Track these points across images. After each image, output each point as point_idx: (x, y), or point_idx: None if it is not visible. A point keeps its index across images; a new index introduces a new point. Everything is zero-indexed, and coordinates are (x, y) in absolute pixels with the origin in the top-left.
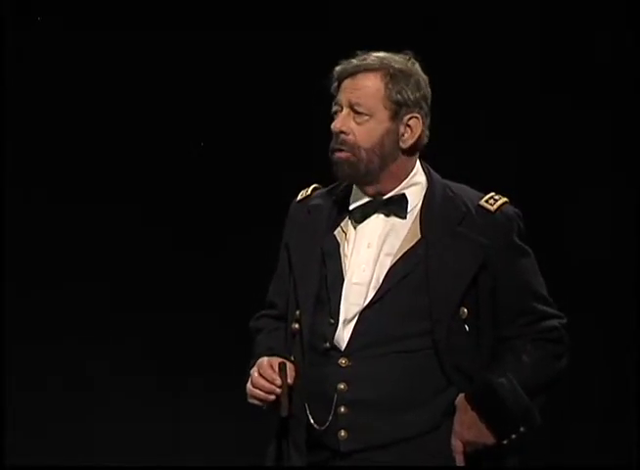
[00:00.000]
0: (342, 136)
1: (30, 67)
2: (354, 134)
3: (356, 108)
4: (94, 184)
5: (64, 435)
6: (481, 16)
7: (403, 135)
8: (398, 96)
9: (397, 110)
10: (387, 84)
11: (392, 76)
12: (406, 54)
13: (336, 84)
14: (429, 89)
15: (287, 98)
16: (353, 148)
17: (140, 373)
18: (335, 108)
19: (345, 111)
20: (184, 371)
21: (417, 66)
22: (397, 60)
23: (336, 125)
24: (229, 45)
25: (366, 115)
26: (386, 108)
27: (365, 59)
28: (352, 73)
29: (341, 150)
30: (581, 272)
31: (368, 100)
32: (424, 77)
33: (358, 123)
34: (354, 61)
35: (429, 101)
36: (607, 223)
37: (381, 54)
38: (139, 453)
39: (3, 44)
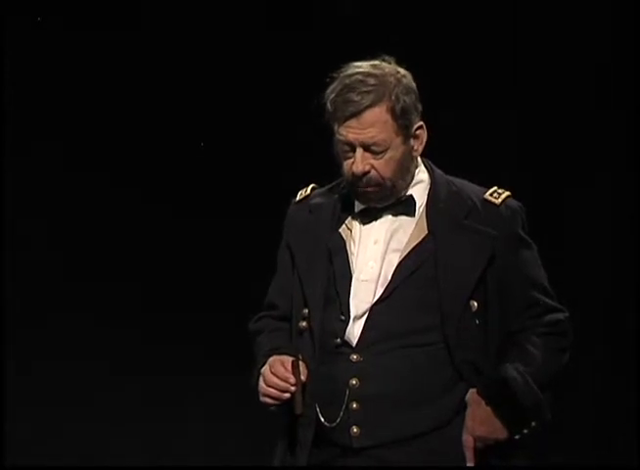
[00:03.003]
0: (366, 176)
1: (30, 67)
2: (376, 169)
3: (373, 148)
4: (95, 184)
5: (64, 435)
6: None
7: (414, 146)
8: (405, 118)
9: (407, 132)
10: (392, 112)
11: (396, 99)
12: (384, 60)
13: (336, 125)
14: (414, 84)
15: (286, 97)
16: (378, 181)
17: (141, 373)
18: (343, 147)
19: (360, 151)
20: (184, 371)
21: (401, 69)
22: (389, 75)
23: (358, 170)
24: (230, 45)
25: (383, 150)
26: (398, 135)
27: (361, 91)
28: (356, 114)
29: (367, 186)
30: (581, 271)
31: (381, 136)
32: (409, 77)
33: (377, 158)
34: (350, 95)
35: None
36: (607, 222)
37: (368, 75)
38: (140, 453)
39: (3, 44)
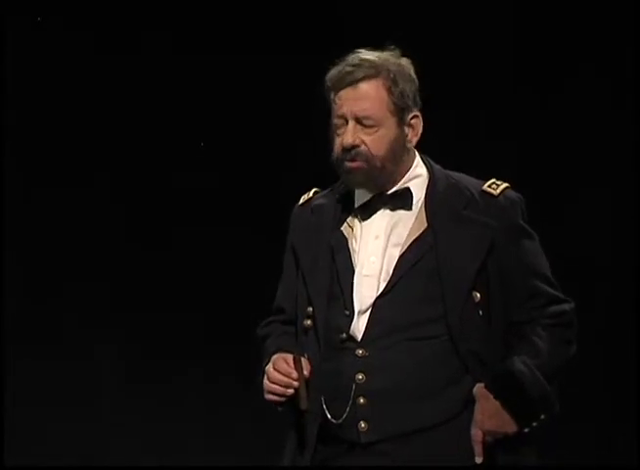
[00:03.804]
0: (355, 149)
1: (30, 67)
2: (366, 145)
3: (365, 121)
4: (95, 184)
5: (64, 435)
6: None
7: (408, 136)
8: (401, 100)
9: (402, 114)
10: (389, 90)
11: (393, 80)
12: (391, 49)
13: (332, 94)
14: (415, 75)
15: (286, 98)
16: (367, 158)
17: (141, 373)
18: (338, 121)
19: (352, 123)
20: (185, 371)
21: (405, 59)
22: (392, 60)
23: (347, 141)
24: (229, 46)
25: (375, 125)
26: (392, 114)
27: (359, 65)
28: (351, 83)
29: (353, 160)
30: (581, 270)
31: (375, 111)
32: (410, 67)
33: (368, 134)
34: (349, 68)
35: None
36: (607, 221)
37: (370, 56)
38: (140, 453)
39: (3, 44)
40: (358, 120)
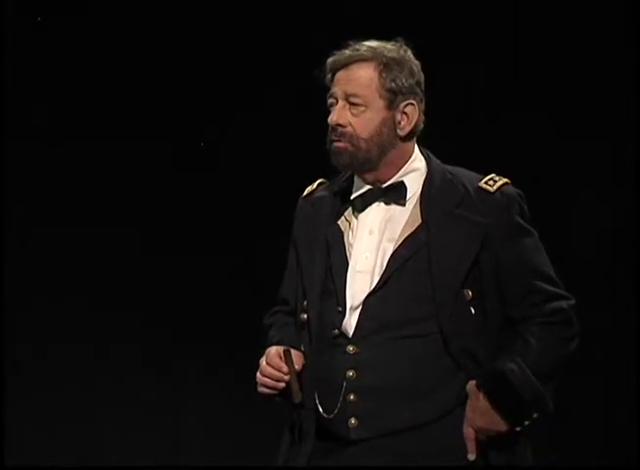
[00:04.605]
0: (340, 129)
1: (30, 67)
2: (352, 126)
3: (352, 99)
4: (96, 186)
5: (64, 435)
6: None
7: (400, 123)
8: (393, 84)
9: (393, 98)
10: (380, 73)
11: (386, 65)
12: (397, 41)
13: (329, 76)
14: (422, 74)
15: (287, 92)
16: (352, 138)
17: (141, 373)
18: (330, 100)
19: (341, 103)
20: (185, 371)
21: (409, 52)
22: (389, 48)
23: (332, 119)
24: (228, 43)
25: (362, 105)
26: (381, 97)
27: (357, 49)
28: (345, 65)
29: (339, 140)
30: (580, 271)
31: (363, 91)
32: (416, 63)
33: (355, 115)
34: (347, 51)
35: (422, 86)
36: (607, 221)
37: (373, 43)
38: (140, 453)
39: (3, 44)
40: (348, 100)
